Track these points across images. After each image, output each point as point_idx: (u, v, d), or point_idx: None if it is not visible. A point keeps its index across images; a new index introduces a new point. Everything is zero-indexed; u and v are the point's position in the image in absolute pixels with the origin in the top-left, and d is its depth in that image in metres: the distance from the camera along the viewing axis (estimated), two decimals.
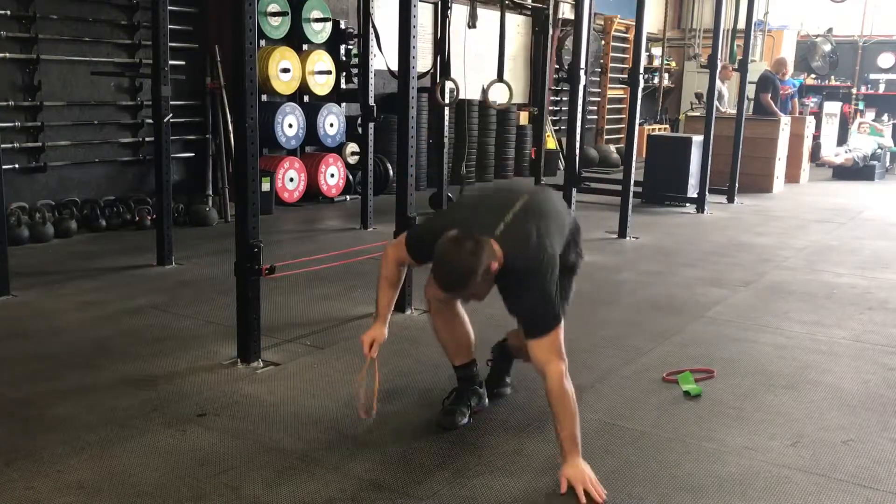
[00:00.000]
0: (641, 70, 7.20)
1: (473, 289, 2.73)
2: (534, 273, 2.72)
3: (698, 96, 12.92)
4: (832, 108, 14.46)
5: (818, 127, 13.35)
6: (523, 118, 11.71)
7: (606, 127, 14.26)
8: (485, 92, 6.75)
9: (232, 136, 7.41)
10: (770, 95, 10.94)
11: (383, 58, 6.41)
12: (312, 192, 8.42)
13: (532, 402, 3.39)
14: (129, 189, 7.29)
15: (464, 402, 3.20)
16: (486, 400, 3.30)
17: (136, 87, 7.25)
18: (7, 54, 6.32)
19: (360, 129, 7.68)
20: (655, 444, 3.06)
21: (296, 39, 8.14)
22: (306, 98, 8.41)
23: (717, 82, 9.16)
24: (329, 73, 8.31)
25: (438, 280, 2.80)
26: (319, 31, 8.31)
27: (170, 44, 5.60)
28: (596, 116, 14.13)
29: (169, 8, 5.54)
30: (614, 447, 3.01)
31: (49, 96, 6.63)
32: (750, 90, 10.55)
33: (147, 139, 7.19)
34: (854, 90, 15.59)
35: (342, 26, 8.55)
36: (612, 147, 13.49)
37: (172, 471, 2.73)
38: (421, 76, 5.23)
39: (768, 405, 3.48)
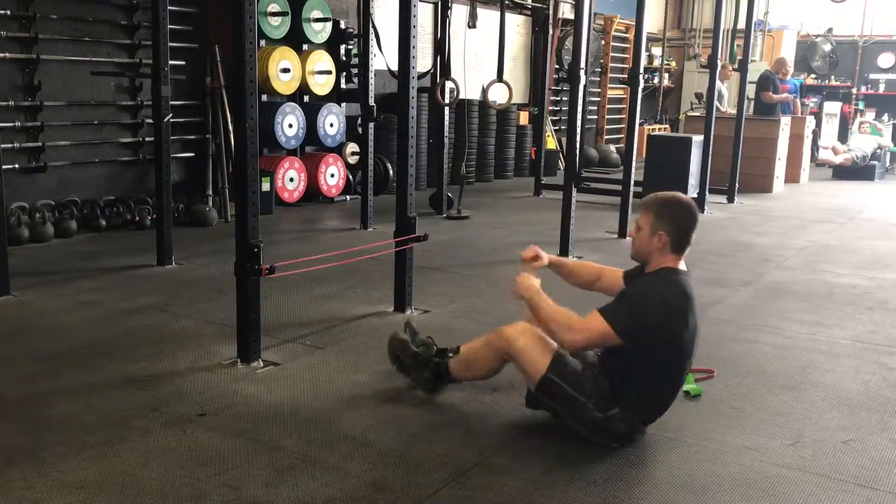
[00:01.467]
0: (641, 70, 7.21)
1: (646, 223, 2.98)
2: (649, 288, 2.99)
3: (698, 96, 12.93)
4: (832, 108, 14.46)
5: (818, 127, 13.36)
6: (523, 118, 11.71)
7: (606, 127, 14.26)
8: (485, 92, 6.75)
9: (232, 136, 7.41)
10: (770, 94, 10.96)
11: (383, 58, 6.41)
12: (312, 192, 8.42)
13: None
14: (129, 189, 7.29)
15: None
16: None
17: (136, 87, 7.25)
18: (7, 54, 6.32)
19: (360, 129, 7.69)
20: (655, 444, 3.06)
21: (296, 39, 8.14)
22: (306, 98, 8.41)
23: (717, 82, 9.16)
24: (329, 73, 8.31)
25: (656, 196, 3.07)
26: (319, 31, 8.31)
27: (170, 44, 5.60)
28: (596, 116, 14.13)
29: (169, 8, 5.54)
30: (615, 447, 3.00)
31: (49, 96, 6.63)
32: (750, 90, 10.56)
33: (147, 139, 7.20)
34: (854, 90, 15.59)
35: (342, 26, 8.55)
36: (612, 147, 13.49)
37: (172, 471, 2.73)
38: (421, 76, 5.24)
39: (768, 405, 3.48)
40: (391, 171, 8.74)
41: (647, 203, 3.03)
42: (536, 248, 3.40)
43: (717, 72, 8.85)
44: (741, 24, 9.45)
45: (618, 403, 2.95)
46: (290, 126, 8.00)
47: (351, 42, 8.56)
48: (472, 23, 6.65)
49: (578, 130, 6.56)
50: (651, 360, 2.92)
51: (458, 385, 3.47)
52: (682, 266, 3.03)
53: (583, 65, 6.24)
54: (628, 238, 3.06)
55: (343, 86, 8.62)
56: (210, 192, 7.57)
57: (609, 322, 2.88)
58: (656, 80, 14.96)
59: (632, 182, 7.27)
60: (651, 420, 3.06)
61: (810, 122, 11.92)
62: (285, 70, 7.82)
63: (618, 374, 2.97)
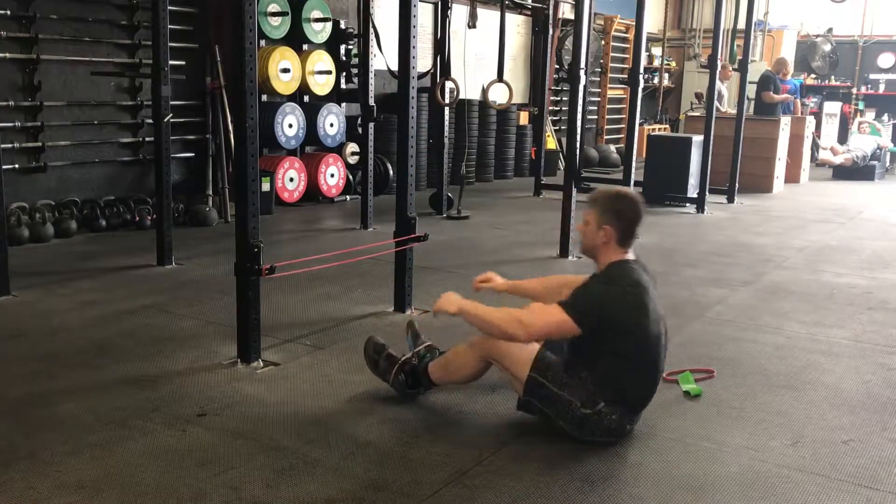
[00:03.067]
0: (641, 70, 7.21)
1: (592, 218, 3.06)
2: (599, 282, 3.04)
3: (698, 96, 12.93)
4: (832, 108, 14.46)
5: (818, 127, 13.36)
6: (523, 118, 11.71)
7: (606, 127, 14.26)
8: (485, 92, 6.75)
9: (232, 136, 7.41)
10: (771, 94, 10.97)
11: (383, 58, 6.41)
12: (312, 192, 8.42)
13: None
14: (129, 189, 7.29)
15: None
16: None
17: (136, 87, 7.25)
18: (7, 54, 6.32)
19: (360, 129, 7.68)
20: (656, 443, 3.06)
21: (296, 39, 8.14)
22: (306, 98, 8.41)
23: (717, 82, 9.16)
24: (329, 73, 8.31)
25: (601, 192, 3.16)
26: (319, 31, 8.31)
27: (170, 44, 5.60)
28: (596, 116, 14.13)
29: (169, 8, 5.54)
30: (615, 447, 3.00)
31: (49, 96, 6.63)
32: (750, 90, 10.56)
33: (147, 139, 7.19)
34: (854, 90, 15.59)
35: (342, 26, 8.55)
36: (612, 147, 13.49)
37: (172, 471, 2.73)
38: (421, 76, 5.24)
39: (768, 405, 3.48)
40: (391, 171, 8.74)
41: (593, 198, 3.12)
42: (490, 274, 3.51)
43: (717, 72, 8.85)
44: (741, 24, 9.45)
45: (601, 397, 2.96)
46: (290, 126, 8.00)
47: (351, 42, 8.56)
48: (472, 23, 6.65)
49: (578, 130, 6.56)
50: (616, 350, 2.95)
51: (458, 385, 3.47)
52: (629, 256, 3.07)
53: (583, 65, 6.24)
54: (579, 242, 3.18)
55: (343, 86, 8.62)
56: (210, 192, 7.57)
57: (569, 313, 2.90)
58: (656, 80, 14.96)
59: (632, 182, 7.27)
60: (639, 407, 3.07)
61: (810, 122, 11.92)
62: (285, 70, 7.82)
63: (589, 367, 2.99)
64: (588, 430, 2.98)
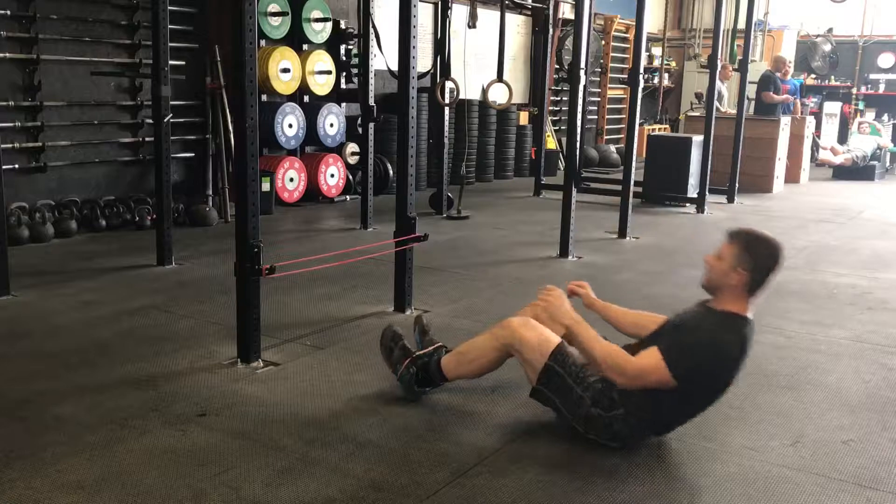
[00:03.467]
0: (641, 70, 7.20)
1: (729, 256, 2.88)
2: (711, 334, 2.87)
3: (698, 96, 12.93)
4: (832, 108, 14.47)
5: (818, 127, 13.37)
6: (523, 118, 11.71)
7: (606, 127, 14.27)
8: (485, 92, 6.75)
9: (232, 136, 7.41)
10: (771, 94, 10.97)
11: (383, 58, 6.41)
12: (312, 192, 8.42)
13: (532, 402, 3.39)
14: (129, 189, 7.29)
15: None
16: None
17: (136, 87, 7.25)
18: (7, 54, 6.32)
19: (360, 129, 7.69)
20: (655, 443, 3.05)
21: (296, 39, 8.14)
22: (306, 98, 8.41)
23: (717, 82, 9.16)
24: (329, 73, 8.31)
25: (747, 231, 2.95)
26: (319, 31, 8.31)
27: (170, 44, 5.60)
28: (596, 116, 14.13)
29: (169, 8, 5.54)
30: (613, 447, 3.00)
31: (49, 96, 6.63)
32: (750, 90, 10.56)
33: (147, 139, 7.19)
34: (854, 90, 15.59)
35: (342, 26, 8.55)
36: (612, 147, 13.49)
37: (172, 471, 2.73)
38: (421, 76, 5.24)
39: (768, 405, 3.48)
40: (391, 171, 8.74)
41: (737, 234, 2.91)
42: (586, 284, 3.39)
43: (717, 72, 8.85)
44: (741, 24, 9.45)
45: (626, 408, 2.91)
46: (290, 126, 8.00)
47: (351, 42, 8.56)
48: (472, 23, 6.64)
49: (578, 130, 6.56)
50: (686, 395, 2.87)
51: (458, 385, 3.47)
52: (750, 315, 2.91)
53: (583, 65, 6.25)
54: (704, 264, 2.97)
55: (343, 86, 8.62)
56: (210, 192, 7.56)
57: (670, 369, 2.79)
58: (656, 80, 14.96)
59: (632, 182, 7.26)
60: (663, 431, 3.03)
61: (810, 122, 11.92)
62: (285, 70, 7.82)
63: (640, 395, 2.90)
64: (592, 429, 2.97)
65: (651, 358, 2.84)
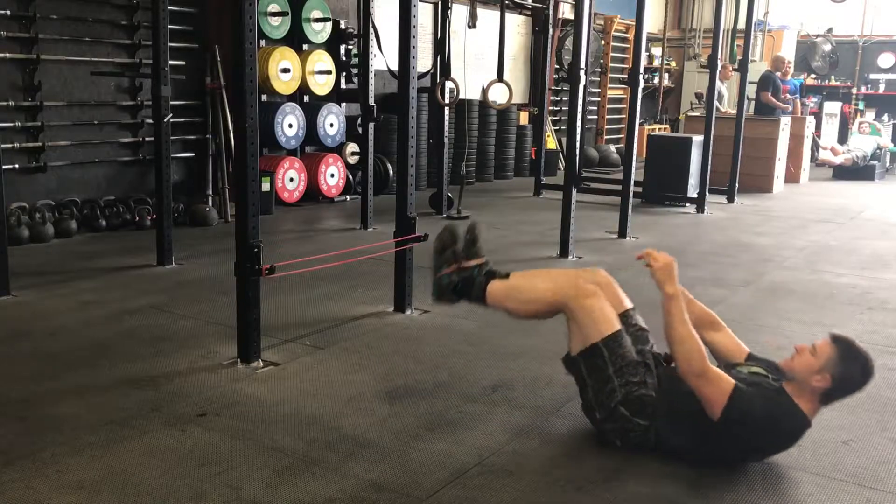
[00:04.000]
0: (641, 70, 7.20)
1: (823, 357, 2.76)
2: (780, 403, 2.80)
3: (698, 96, 12.94)
4: (832, 108, 14.47)
5: (818, 127, 13.37)
6: (523, 118, 11.71)
7: (606, 127, 14.27)
8: (485, 92, 6.75)
9: (232, 136, 7.41)
10: (770, 94, 10.96)
11: (383, 58, 6.41)
12: (312, 192, 8.42)
13: (532, 402, 3.40)
14: (129, 189, 7.29)
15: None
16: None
17: (136, 87, 7.25)
18: (7, 54, 6.32)
19: (360, 129, 7.69)
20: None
21: (296, 39, 8.14)
22: (306, 98, 8.41)
23: (717, 82, 9.16)
24: (329, 73, 8.31)
25: (852, 343, 2.81)
26: (319, 31, 8.31)
27: (170, 44, 5.60)
28: (596, 116, 14.14)
29: (169, 8, 5.54)
30: (616, 447, 3.00)
31: (49, 96, 6.63)
32: (750, 90, 10.56)
33: (147, 139, 7.19)
34: (854, 90, 15.60)
35: (342, 26, 8.55)
36: (612, 147, 13.50)
37: (172, 471, 2.73)
38: (421, 76, 5.24)
39: None
40: (391, 171, 8.74)
41: (840, 341, 2.77)
42: (673, 262, 3.00)
43: (717, 72, 8.85)
44: (741, 24, 9.46)
45: (651, 423, 2.86)
46: (290, 126, 8.00)
47: (351, 42, 8.57)
48: (472, 23, 6.65)
49: (578, 130, 6.56)
50: (712, 435, 2.81)
51: (457, 384, 3.47)
52: (813, 418, 2.81)
53: (583, 65, 6.24)
54: (795, 350, 2.86)
55: (343, 86, 8.62)
56: (210, 192, 7.57)
57: (728, 404, 2.71)
58: (656, 80, 14.96)
59: (632, 182, 7.26)
60: (663, 453, 2.95)
61: (810, 122, 11.92)
62: (285, 70, 7.82)
63: (668, 417, 2.86)
64: (610, 422, 2.92)
65: (722, 381, 2.75)
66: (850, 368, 2.73)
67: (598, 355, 2.90)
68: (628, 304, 3.10)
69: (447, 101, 7.20)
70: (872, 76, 15.52)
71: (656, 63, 15.13)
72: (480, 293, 3.17)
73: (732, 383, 2.76)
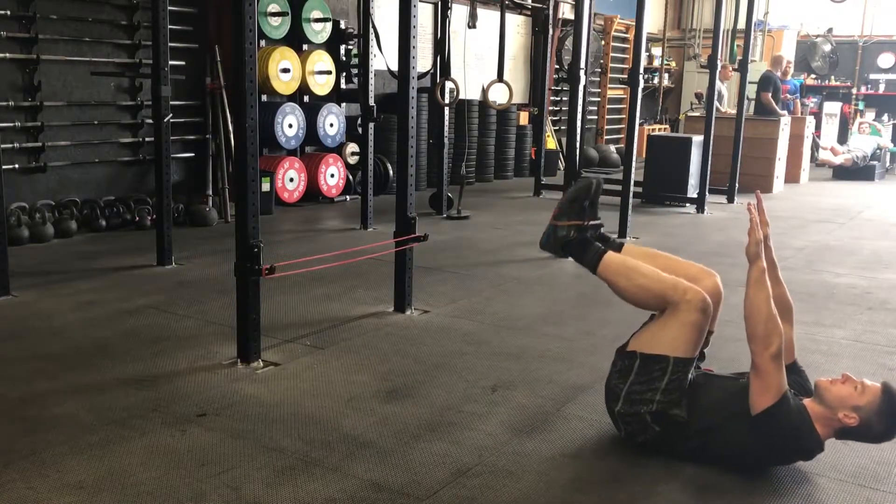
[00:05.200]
0: (641, 70, 7.20)
1: (867, 396, 2.68)
2: (803, 423, 2.76)
3: (698, 96, 12.94)
4: (832, 108, 14.47)
5: (818, 127, 13.37)
6: (523, 118, 11.71)
7: (606, 127, 14.27)
8: (485, 92, 6.75)
9: (232, 136, 7.41)
10: (771, 94, 10.96)
11: (383, 58, 6.41)
12: (312, 193, 8.42)
13: (532, 402, 3.40)
14: (129, 189, 7.29)
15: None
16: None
17: (136, 87, 7.25)
18: (7, 54, 6.32)
19: (360, 129, 7.69)
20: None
21: (296, 39, 8.14)
22: (306, 98, 8.41)
23: (717, 82, 9.16)
24: (329, 73, 8.31)
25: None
26: (319, 31, 8.31)
27: (170, 44, 5.60)
28: (596, 116, 14.14)
29: (169, 8, 5.54)
30: (616, 447, 3.00)
31: (49, 96, 6.63)
32: (750, 90, 10.56)
33: (147, 139, 7.19)
34: (854, 90, 15.60)
35: (342, 26, 8.56)
36: (612, 147, 13.50)
37: (172, 471, 2.73)
38: (421, 76, 5.24)
39: None
40: (391, 171, 8.74)
41: (889, 390, 2.68)
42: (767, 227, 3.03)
43: (717, 72, 8.85)
44: (741, 24, 9.46)
45: (698, 427, 2.83)
46: (290, 126, 8.01)
47: (351, 42, 8.57)
48: (472, 23, 6.65)
49: (578, 130, 6.56)
50: (735, 434, 2.80)
51: (457, 384, 3.47)
52: (825, 440, 2.78)
53: (583, 65, 6.25)
54: (843, 377, 2.76)
55: (343, 86, 8.62)
56: (210, 192, 7.56)
57: (773, 405, 2.68)
58: (656, 80, 14.97)
59: (632, 182, 7.26)
60: (663, 451, 2.94)
61: (810, 122, 11.92)
62: (285, 70, 7.82)
63: (708, 414, 2.84)
64: (627, 417, 2.89)
65: (782, 379, 2.71)
66: (882, 421, 2.67)
67: (661, 367, 2.84)
68: (713, 327, 3.03)
69: (447, 101, 7.21)
70: (872, 76, 15.52)
71: (656, 63, 15.13)
72: (595, 260, 3.09)
73: (786, 387, 2.73)
